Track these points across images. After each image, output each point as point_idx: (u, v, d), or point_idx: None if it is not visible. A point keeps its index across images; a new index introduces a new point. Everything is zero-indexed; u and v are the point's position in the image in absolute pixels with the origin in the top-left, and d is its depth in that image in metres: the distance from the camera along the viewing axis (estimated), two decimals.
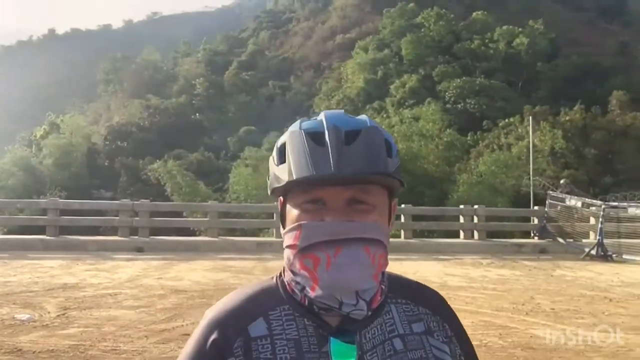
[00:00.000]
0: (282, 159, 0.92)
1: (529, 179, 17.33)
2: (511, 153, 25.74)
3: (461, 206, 14.95)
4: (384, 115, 32.43)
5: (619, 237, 12.63)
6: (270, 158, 0.97)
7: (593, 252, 12.21)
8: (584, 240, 13.37)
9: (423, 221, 14.54)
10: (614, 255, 12.09)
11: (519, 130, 28.98)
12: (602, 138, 27.39)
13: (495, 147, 28.46)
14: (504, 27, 46.61)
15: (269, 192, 0.98)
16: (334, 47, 66.53)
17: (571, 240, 13.50)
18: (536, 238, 14.26)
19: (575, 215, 13.96)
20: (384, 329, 0.95)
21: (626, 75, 42.02)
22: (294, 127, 0.94)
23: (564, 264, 11.42)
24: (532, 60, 44.75)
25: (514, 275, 9.94)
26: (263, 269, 10.03)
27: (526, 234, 15.37)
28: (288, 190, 0.93)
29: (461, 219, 14.34)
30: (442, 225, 15.05)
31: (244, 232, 16.52)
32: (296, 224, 0.90)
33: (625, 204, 13.11)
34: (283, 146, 0.93)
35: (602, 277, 9.95)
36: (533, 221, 14.80)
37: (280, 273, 1.00)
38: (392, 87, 45.02)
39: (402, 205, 13.11)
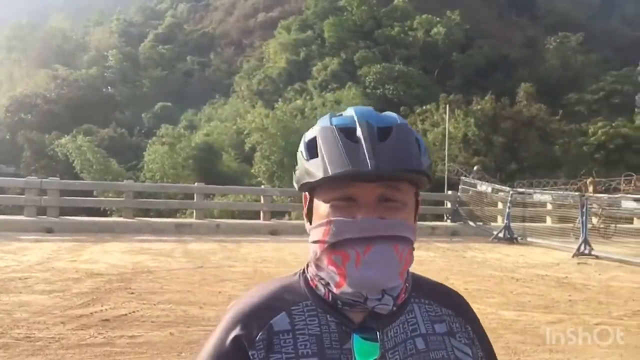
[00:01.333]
0: (312, 154, 0.91)
1: (444, 164, 18.10)
2: (427, 139, 26.76)
3: None
4: (307, 98, 32.48)
5: (524, 221, 13.57)
6: (299, 152, 0.96)
7: (500, 235, 13.05)
8: (492, 224, 14.23)
9: None
10: (519, 238, 12.99)
11: (435, 117, 30.13)
12: (510, 127, 29.07)
13: None
14: (423, 16, 47.96)
15: (295, 186, 0.98)
16: (255, 24, 65.40)
17: (481, 223, 14.33)
18: (449, 221, 14.99)
19: (485, 200, 14.81)
20: (407, 327, 0.95)
21: (532, 68, 44.70)
22: (324, 122, 0.93)
23: (474, 246, 12.11)
24: (448, 49, 46.45)
25: (429, 257, 10.41)
26: (183, 251, 9.81)
27: (439, 217, 16.12)
28: (317, 186, 0.92)
29: None
30: None
31: (159, 213, 16.00)
32: (326, 219, 0.90)
33: (531, 190, 14.09)
34: (313, 141, 0.92)
35: (509, 259, 10.66)
36: (446, 205, 15.52)
37: (304, 269, 1.00)
38: (314, 69, 45.13)
39: None
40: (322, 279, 0.93)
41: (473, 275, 8.65)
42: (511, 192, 13.52)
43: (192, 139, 29.32)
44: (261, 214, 14.24)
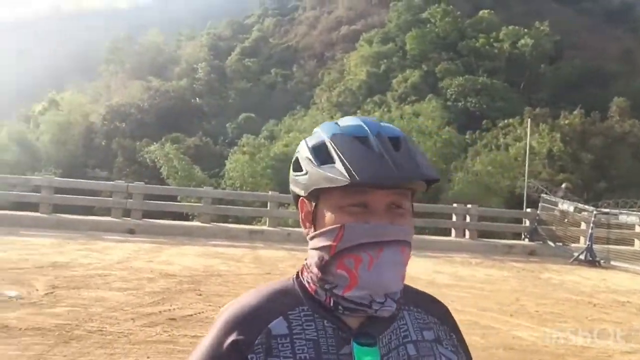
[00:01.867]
0: (324, 160, 0.94)
1: (524, 180, 17.36)
2: (508, 153, 25.76)
3: (454, 205, 14.99)
4: (385, 110, 32.37)
5: (608, 243, 12.72)
6: (301, 158, 0.99)
7: (582, 257, 12.30)
8: (573, 245, 13.45)
9: (415, 217, 14.42)
10: (601, 261, 12.18)
11: (518, 131, 28.96)
12: (600, 143, 27.37)
13: (493, 147, 28.44)
14: (510, 27, 46.42)
15: (302, 192, 0.99)
16: (338, 37, 66.11)
17: (561, 244, 13.58)
18: (527, 240, 14.34)
19: (566, 220, 14.03)
20: (399, 334, 0.99)
21: (628, 82, 41.92)
22: (331, 129, 0.97)
23: (552, 267, 11.52)
24: (536, 62, 44.59)
25: (502, 276, 10.03)
26: (253, 257, 10.09)
27: (517, 235, 15.44)
28: (325, 192, 0.95)
29: (454, 217, 14.40)
30: (434, 223, 15.10)
31: (237, 220, 16.52)
32: (338, 225, 0.93)
33: (616, 210, 13.17)
34: (323, 146, 0.95)
35: (588, 282, 10.05)
36: (525, 223, 14.87)
37: (298, 274, 1.03)
38: (394, 81, 44.86)
39: None
40: (327, 283, 0.96)
41: (547, 298, 8.23)
42: (594, 212, 12.73)
43: (271, 149, 30.01)
44: None
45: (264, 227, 13.75)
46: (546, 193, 15.52)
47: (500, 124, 32.04)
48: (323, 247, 0.95)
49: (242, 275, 8.25)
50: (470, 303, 7.28)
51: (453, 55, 46.75)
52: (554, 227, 14.07)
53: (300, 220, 1.03)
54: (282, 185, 24.34)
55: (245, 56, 64.66)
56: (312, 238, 0.98)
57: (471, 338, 5.59)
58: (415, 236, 0.98)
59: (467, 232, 14.04)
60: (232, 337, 0.92)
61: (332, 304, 0.95)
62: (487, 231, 14.99)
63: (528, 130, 19.06)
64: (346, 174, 0.89)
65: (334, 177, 0.91)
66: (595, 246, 12.38)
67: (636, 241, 13.68)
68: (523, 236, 14.75)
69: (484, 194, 20.85)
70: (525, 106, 34.64)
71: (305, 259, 1.03)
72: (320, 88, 51.11)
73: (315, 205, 0.98)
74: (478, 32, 48.16)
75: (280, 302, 0.98)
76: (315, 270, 0.98)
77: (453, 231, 14.30)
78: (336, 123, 0.99)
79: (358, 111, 34.09)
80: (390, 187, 0.92)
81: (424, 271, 9.53)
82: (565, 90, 41.90)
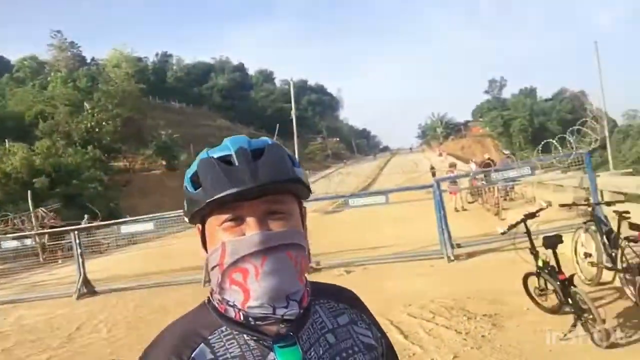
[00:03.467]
0: (196, 185, 0.98)
1: None
2: None
3: None
4: None
5: None
6: (184, 188, 1.01)
7: None
8: None
9: None
10: None
11: None
12: None
13: None
14: None
15: (187, 220, 1.03)
16: None
17: None
18: None
19: None
20: (316, 327, 1.04)
21: None
22: (202, 155, 1.01)
23: None
24: None
25: None
26: None
27: None
28: (206, 214, 0.98)
29: None
30: None
31: None
32: (220, 243, 0.95)
33: None
34: (195, 174, 0.99)
35: None
36: None
37: (209, 299, 1.05)
38: None
39: None
40: (228, 301, 0.97)
41: None
42: None
43: None
44: None
45: None
46: None
47: None
48: (215, 267, 0.97)
49: None
50: None
51: None
52: None
53: (201, 245, 1.05)
54: None
55: None
56: (207, 261, 1.01)
57: None
58: None
59: None
60: None
61: (242, 319, 0.97)
62: None
63: None
64: (206, 195, 0.94)
65: (199, 199, 0.96)
66: None
67: None
68: None
69: None
70: None
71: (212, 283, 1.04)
72: None
73: (202, 231, 1.02)
74: None
75: (197, 331, 0.99)
76: (217, 291, 1.00)
77: None
78: (210, 149, 1.02)
79: None
80: (260, 195, 0.94)
81: None
82: None
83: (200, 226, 1.03)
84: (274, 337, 0.97)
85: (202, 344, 0.96)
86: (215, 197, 0.93)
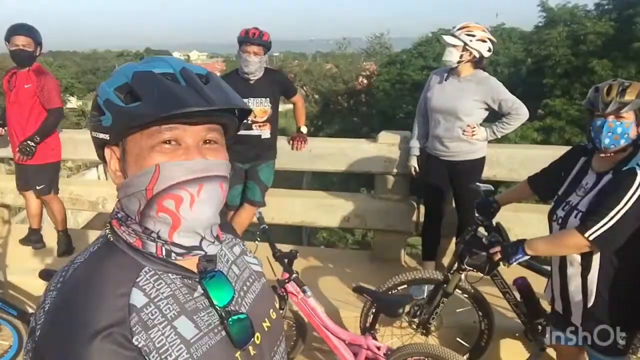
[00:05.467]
0: (130, 99, 0.86)
1: None
2: None
3: None
4: None
5: None
6: (106, 101, 0.88)
7: None
8: None
9: None
10: None
11: None
12: None
13: None
14: None
15: (107, 137, 0.89)
16: None
17: None
18: None
19: None
20: (222, 260, 1.02)
21: None
22: (133, 68, 0.89)
23: None
24: None
25: None
26: None
27: None
28: (131, 134, 0.88)
29: None
30: None
31: None
32: (152, 165, 0.86)
33: None
34: (126, 86, 0.87)
35: None
36: None
37: (109, 236, 0.93)
38: None
39: None
40: (151, 232, 0.90)
41: None
42: None
43: None
44: None
45: None
46: None
47: None
48: (137, 193, 0.88)
49: None
50: None
51: None
52: None
53: (110, 170, 0.94)
54: None
55: None
56: (123, 186, 0.90)
57: None
58: None
59: None
60: (103, 334, 0.80)
61: (164, 254, 0.90)
62: None
63: None
64: (155, 109, 0.83)
65: (142, 113, 0.84)
66: None
67: None
68: None
69: None
70: None
71: (117, 214, 0.94)
72: None
73: (123, 150, 0.90)
74: None
75: (121, 273, 0.88)
76: (133, 219, 0.91)
77: None
78: (135, 63, 0.92)
79: None
80: (202, 121, 0.88)
81: None
82: None
83: (115, 147, 0.91)
84: (200, 272, 0.93)
85: (134, 288, 0.86)
86: (173, 112, 0.83)
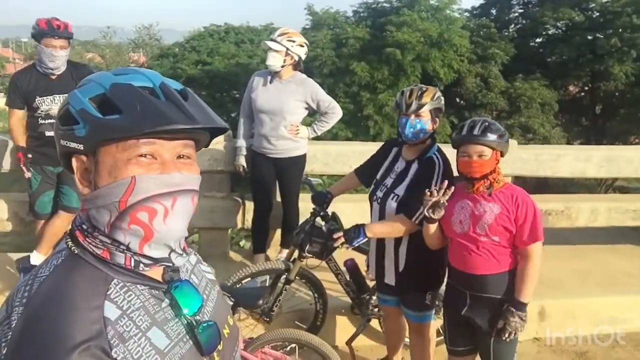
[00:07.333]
0: (108, 111, 0.87)
1: None
2: None
3: None
4: None
5: None
6: (80, 111, 0.88)
7: None
8: None
9: None
10: None
11: None
12: None
13: None
14: None
15: (80, 147, 0.89)
16: None
17: None
18: None
19: None
20: (182, 269, 1.03)
21: None
22: (109, 79, 0.90)
23: None
24: None
25: None
26: None
27: None
28: (106, 145, 0.88)
29: None
30: None
31: None
32: (128, 177, 0.87)
33: None
34: (104, 97, 0.88)
35: None
36: None
37: (72, 248, 0.92)
38: None
39: None
40: (120, 243, 0.91)
41: None
42: None
43: None
44: None
45: None
46: None
47: None
48: (110, 205, 0.88)
49: None
50: None
51: None
52: None
53: (77, 179, 0.93)
54: None
55: None
56: (93, 197, 0.91)
57: None
58: None
59: None
60: (79, 349, 0.80)
61: (132, 264, 0.91)
62: None
63: None
64: (138, 125, 0.85)
65: (123, 127, 0.85)
66: None
67: None
68: None
69: None
70: None
71: (81, 225, 0.94)
72: None
73: (96, 161, 0.90)
74: None
75: (91, 286, 0.88)
76: (105, 230, 0.91)
77: None
78: (111, 73, 0.92)
79: None
80: (181, 137, 0.91)
81: None
82: None
83: (86, 157, 0.91)
84: (167, 283, 0.96)
85: (106, 301, 0.87)
86: (158, 129, 0.85)
